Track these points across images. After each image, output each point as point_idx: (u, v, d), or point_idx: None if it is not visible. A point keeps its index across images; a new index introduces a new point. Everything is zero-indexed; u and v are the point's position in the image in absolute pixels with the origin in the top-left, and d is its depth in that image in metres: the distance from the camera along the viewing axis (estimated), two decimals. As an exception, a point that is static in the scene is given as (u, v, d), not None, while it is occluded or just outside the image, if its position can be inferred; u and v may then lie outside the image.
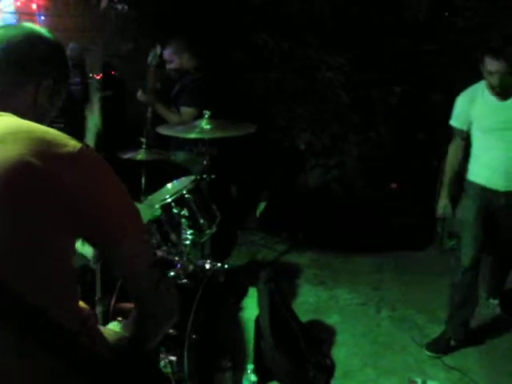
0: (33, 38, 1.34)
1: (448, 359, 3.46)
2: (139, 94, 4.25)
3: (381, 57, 4.81)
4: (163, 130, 3.53)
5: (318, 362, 3.27)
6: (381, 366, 3.37)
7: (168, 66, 4.32)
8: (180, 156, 4.23)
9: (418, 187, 5.37)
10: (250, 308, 3.23)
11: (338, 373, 3.28)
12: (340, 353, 3.50)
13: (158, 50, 4.13)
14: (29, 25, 1.41)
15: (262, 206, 5.63)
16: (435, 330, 3.80)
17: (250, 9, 5.03)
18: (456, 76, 4.39)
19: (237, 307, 3.26)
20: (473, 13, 4.83)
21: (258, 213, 5.60)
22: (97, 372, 1.19)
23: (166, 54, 4.25)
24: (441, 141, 5.26)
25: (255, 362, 2.99)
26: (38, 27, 1.41)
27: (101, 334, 1.40)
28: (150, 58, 4.12)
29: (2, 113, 1.26)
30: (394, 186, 5.37)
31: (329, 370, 3.29)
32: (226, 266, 3.30)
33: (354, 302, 4.25)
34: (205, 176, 3.57)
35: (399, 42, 5.05)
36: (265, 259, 4.94)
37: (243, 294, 3.39)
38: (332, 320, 3.94)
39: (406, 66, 4.88)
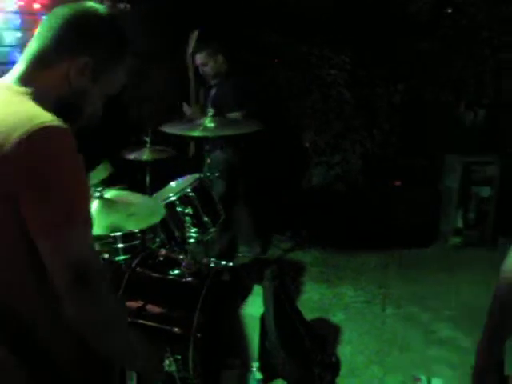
0: (80, 14, 1.32)
1: (453, 356, 3.45)
2: (185, 108, 4.31)
3: (384, 54, 4.80)
4: (166, 128, 3.52)
5: (323, 359, 3.26)
6: (386, 364, 3.37)
7: (203, 70, 4.28)
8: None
9: (421, 184, 5.36)
10: (255, 306, 3.22)
11: (343, 370, 3.27)
12: (345, 350, 3.49)
13: (195, 35, 4.14)
14: (89, 3, 1.37)
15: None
16: (440, 328, 3.80)
17: (253, 7, 5.02)
18: (461, 73, 4.38)
19: (242, 305, 3.25)
20: (476, 9, 4.81)
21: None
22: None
23: (200, 57, 4.22)
24: (445, 138, 5.28)
25: (260, 360, 2.99)
26: (97, 4, 1.37)
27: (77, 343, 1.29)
28: (189, 46, 4.13)
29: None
30: (397, 183, 5.35)
31: (334, 367, 3.28)
32: (231, 264, 3.30)
33: (358, 299, 4.24)
34: (208, 174, 3.56)
35: (402, 40, 5.04)
36: (269, 257, 4.94)
37: (248, 291, 3.38)
38: (337, 318, 3.94)
39: (409, 64, 4.87)
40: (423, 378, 3.21)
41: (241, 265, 4.46)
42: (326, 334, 3.64)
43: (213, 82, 4.34)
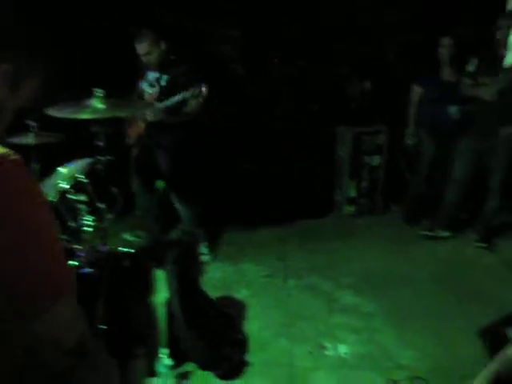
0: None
1: (356, 322, 3.57)
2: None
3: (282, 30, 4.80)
4: (53, 112, 3.30)
5: (232, 338, 3.26)
6: (293, 336, 3.42)
7: (148, 58, 4.04)
8: None
9: (314, 157, 5.46)
10: (159, 291, 3.14)
11: (252, 346, 3.27)
12: (252, 326, 3.50)
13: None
14: None
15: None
16: (342, 295, 3.91)
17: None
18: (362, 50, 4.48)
19: (145, 291, 3.16)
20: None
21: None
22: None
23: (143, 47, 3.98)
24: (337, 113, 5.41)
25: (169, 346, 2.92)
26: None
27: None
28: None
29: None
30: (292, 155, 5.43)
31: (242, 345, 3.28)
32: (131, 251, 3.20)
33: (260, 274, 4.27)
34: (101, 158, 3.40)
35: (301, 16, 5.06)
36: (169, 239, 4.83)
37: (151, 277, 3.29)
38: (241, 294, 3.94)
39: (308, 41, 4.90)
40: (329, 345, 3.30)
41: (141, 249, 4.33)
42: (231, 312, 3.63)
43: (158, 70, 4.14)
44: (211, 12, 4.98)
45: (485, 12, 4.65)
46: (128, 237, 4.51)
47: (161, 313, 3.01)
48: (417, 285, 4.07)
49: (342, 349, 3.27)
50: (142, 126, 4.20)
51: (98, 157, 3.41)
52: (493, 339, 3.16)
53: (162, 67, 4.12)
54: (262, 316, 3.65)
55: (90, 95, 3.18)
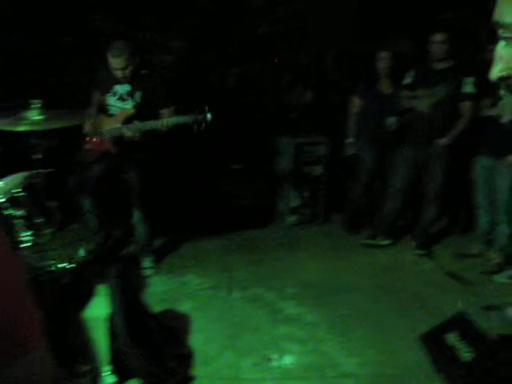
0: None
1: (301, 332, 3.59)
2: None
3: (218, 39, 4.80)
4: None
5: (176, 352, 3.21)
6: (239, 348, 3.40)
7: (124, 72, 3.87)
8: None
9: (259, 167, 5.48)
10: (100, 307, 3.06)
11: (197, 360, 3.23)
12: (197, 340, 3.46)
13: None
14: None
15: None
16: (285, 306, 3.93)
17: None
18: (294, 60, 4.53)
19: (86, 307, 3.07)
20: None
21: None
22: None
23: (121, 61, 3.80)
24: (279, 120, 5.44)
25: (113, 363, 2.85)
26: None
27: None
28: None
29: None
30: (236, 166, 5.43)
31: (187, 359, 3.24)
32: (71, 266, 3.11)
33: (204, 286, 4.24)
34: (39, 171, 3.30)
35: (236, 26, 5.09)
36: (111, 252, 4.74)
37: (92, 293, 3.21)
38: (185, 307, 3.89)
39: (243, 49, 4.93)
40: (275, 356, 3.30)
41: (82, 264, 4.22)
42: (175, 326, 3.59)
43: (129, 83, 3.99)
44: (151, 21, 4.95)
45: (421, 26, 4.81)
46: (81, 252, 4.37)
47: (104, 328, 2.94)
48: (359, 293, 4.14)
49: (288, 359, 3.28)
50: (108, 142, 4.04)
51: (36, 170, 3.31)
52: (433, 344, 3.24)
53: (134, 81, 3.98)
54: (207, 329, 3.62)
55: (26, 106, 3.09)
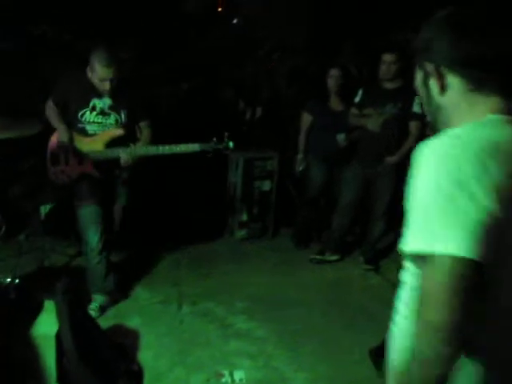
0: None
1: (251, 347, 3.59)
2: None
3: (167, 52, 4.80)
4: None
5: (126, 369, 3.15)
6: (189, 364, 3.37)
7: (110, 84, 3.57)
8: None
9: (209, 180, 5.47)
10: (48, 323, 2.98)
11: (147, 377, 3.19)
12: (147, 356, 3.41)
13: None
14: None
15: (47, 208, 5.25)
16: (235, 321, 3.92)
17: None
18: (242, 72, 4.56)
19: (32, 324, 2.99)
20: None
21: (42, 216, 5.20)
22: None
23: (112, 71, 3.51)
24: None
25: (60, 380, 2.78)
26: None
27: None
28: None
29: None
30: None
31: (137, 376, 3.19)
32: (17, 281, 3.02)
33: (154, 301, 4.18)
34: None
35: (181, 38, 5.09)
36: (55, 265, 4.61)
37: (38, 308, 3.13)
38: (134, 322, 3.83)
39: (193, 63, 4.93)
40: (226, 372, 3.29)
41: (26, 278, 4.10)
42: (124, 342, 3.52)
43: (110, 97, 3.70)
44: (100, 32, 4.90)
45: (373, 45, 4.94)
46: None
47: (50, 345, 2.87)
48: (307, 307, 4.18)
49: (238, 375, 3.27)
50: (89, 164, 3.75)
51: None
52: (382, 358, 3.29)
53: (116, 95, 3.67)
54: (157, 344, 3.57)
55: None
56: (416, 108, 4.33)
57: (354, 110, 4.64)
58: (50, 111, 3.77)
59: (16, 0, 4.59)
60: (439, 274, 1.15)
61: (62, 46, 4.97)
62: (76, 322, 3.02)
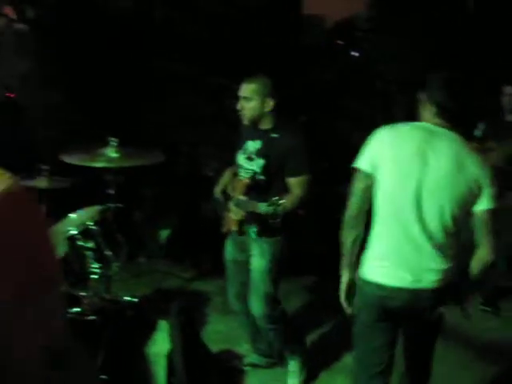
0: None
1: None
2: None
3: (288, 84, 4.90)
4: (66, 158, 3.36)
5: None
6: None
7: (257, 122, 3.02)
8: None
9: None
10: (161, 343, 3.10)
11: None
12: (253, 381, 3.44)
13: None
14: None
15: (166, 233, 5.50)
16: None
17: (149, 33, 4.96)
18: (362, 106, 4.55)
19: (147, 342, 3.12)
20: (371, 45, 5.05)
21: (162, 240, 5.46)
22: None
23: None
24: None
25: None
26: None
27: None
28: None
29: None
30: (300, 212, 5.40)
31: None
32: (135, 300, 3.18)
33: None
34: (111, 206, 3.43)
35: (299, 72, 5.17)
36: (171, 288, 4.79)
37: (153, 328, 3.26)
38: (244, 348, 3.86)
39: (311, 95, 4.99)
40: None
41: (143, 298, 4.30)
42: (234, 367, 3.57)
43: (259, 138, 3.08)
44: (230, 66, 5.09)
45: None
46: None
47: (162, 365, 2.98)
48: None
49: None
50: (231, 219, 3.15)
51: (108, 204, 3.44)
52: None
53: (265, 137, 2.98)
54: (271, 371, 3.58)
55: (105, 143, 3.24)
56: None
57: (474, 144, 4.45)
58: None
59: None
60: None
61: (192, 81, 5.20)
62: (188, 343, 3.13)
